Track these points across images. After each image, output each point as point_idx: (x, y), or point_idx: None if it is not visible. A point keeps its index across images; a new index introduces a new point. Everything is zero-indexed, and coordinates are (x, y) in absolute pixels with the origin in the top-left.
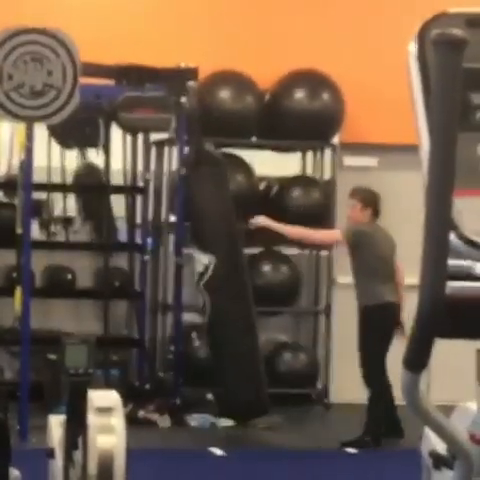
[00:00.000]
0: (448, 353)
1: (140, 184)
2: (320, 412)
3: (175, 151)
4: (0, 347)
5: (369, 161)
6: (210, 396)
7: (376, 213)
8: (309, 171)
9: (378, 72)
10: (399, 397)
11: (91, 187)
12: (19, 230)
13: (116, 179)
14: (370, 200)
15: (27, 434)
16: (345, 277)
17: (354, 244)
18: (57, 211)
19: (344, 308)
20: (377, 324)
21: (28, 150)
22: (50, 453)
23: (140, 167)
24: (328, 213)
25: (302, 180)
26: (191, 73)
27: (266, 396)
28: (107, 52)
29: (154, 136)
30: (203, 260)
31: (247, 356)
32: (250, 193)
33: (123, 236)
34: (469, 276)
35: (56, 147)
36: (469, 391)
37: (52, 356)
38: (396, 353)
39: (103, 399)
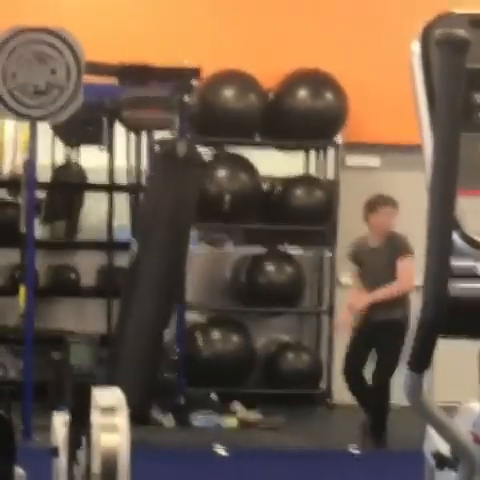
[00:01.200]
0: (451, 353)
1: (143, 182)
2: (323, 412)
3: None
4: (4, 346)
5: (372, 161)
6: (214, 396)
7: None
8: (312, 170)
9: (381, 72)
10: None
11: (96, 185)
12: (23, 229)
13: (120, 178)
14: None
15: (31, 433)
16: (348, 277)
17: None
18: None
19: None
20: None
21: (32, 149)
22: (54, 452)
23: (143, 166)
24: (331, 212)
25: (305, 179)
26: (194, 72)
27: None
28: (111, 51)
29: (158, 135)
30: (133, 246)
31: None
32: (253, 192)
33: (126, 235)
34: (472, 276)
35: (60, 146)
36: (472, 392)
37: (56, 355)
38: None
39: (107, 398)
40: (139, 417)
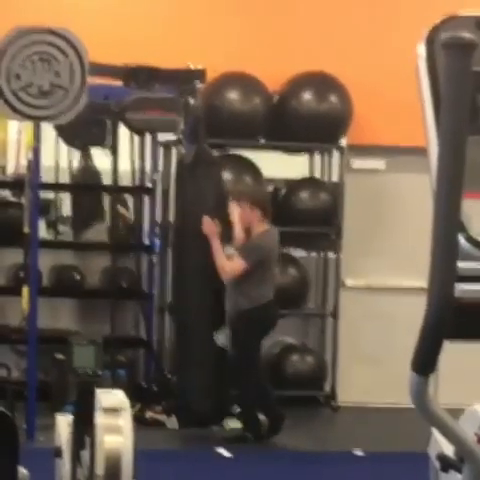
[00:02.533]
0: (457, 356)
1: (148, 185)
2: (327, 414)
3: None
4: (7, 346)
5: (377, 163)
6: None
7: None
8: (317, 173)
9: (386, 74)
10: (399, 400)
11: (98, 187)
12: (27, 229)
13: (123, 180)
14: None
15: (34, 433)
16: (353, 279)
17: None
18: (64, 211)
19: (352, 310)
20: None
21: (36, 150)
22: (57, 452)
23: (147, 168)
24: (336, 215)
25: (310, 182)
26: (199, 74)
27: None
28: (115, 53)
29: (162, 137)
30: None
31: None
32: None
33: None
34: (478, 278)
35: (64, 147)
36: (478, 394)
37: (59, 356)
38: None
39: (110, 399)
40: (214, 419)
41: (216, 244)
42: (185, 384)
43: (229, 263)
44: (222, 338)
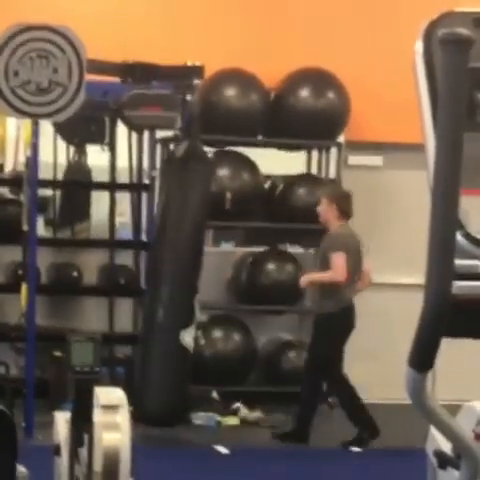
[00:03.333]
0: (454, 352)
1: (145, 182)
2: (324, 411)
3: None
4: (6, 344)
5: (374, 160)
6: (215, 394)
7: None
8: (314, 170)
9: (383, 70)
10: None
11: (94, 184)
12: (25, 227)
13: (122, 176)
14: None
15: (33, 431)
16: None
17: None
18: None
19: None
20: None
21: (34, 147)
22: (56, 450)
23: (145, 165)
24: None
25: (307, 178)
26: (197, 71)
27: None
28: (113, 50)
29: (160, 133)
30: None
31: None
32: (255, 191)
33: (128, 234)
34: (475, 275)
35: (62, 144)
36: (475, 390)
37: (58, 353)
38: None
39: (109, 396)
40: (171, 418)
41: (313, 277)
42: (144, 380)
43: (331, 270)
44: (188, 338)
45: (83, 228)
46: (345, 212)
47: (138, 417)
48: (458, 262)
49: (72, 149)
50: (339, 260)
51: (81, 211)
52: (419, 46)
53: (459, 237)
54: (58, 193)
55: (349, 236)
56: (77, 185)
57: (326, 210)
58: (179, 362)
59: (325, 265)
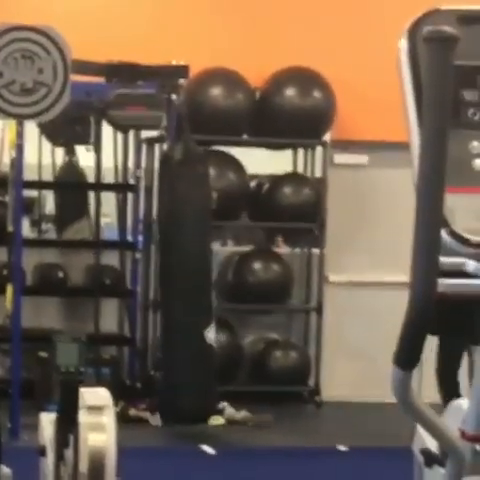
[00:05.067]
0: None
1: (131, 182)
2: (311, 410)
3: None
4: None
5: (360, 158)
6: None
7: None
8: (300, 169)
9: (369, 69)
10: (382, 394)
11: (81, 185)
12: (10, 228)
13: (107, 177)
14: None
15: (18, 432)
16: (337, 275)
17: None
18: (48, 209)
19: (336, 306)
20: None
21: (19, 148)
22: (41, 451)
23: (131, 165)
24: (319, 210)
25: (293, 178)
26: (182, 71)
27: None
28: (98, 50)
29: (145, 133)
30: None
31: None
32: (241, 191)
33: (114, 234)
34: (460, 273)
35: (47, 145)
36: (461, 388)
37: (43, 354)
38: None
39: (94, 397)
40: (200, 418)
41: None
42: (170, 381)
43: None
44: (211, 335)
45: (81, 227)
46: None
47: (171, 418)
48: (443, 260)
49: (57, 150)
50: None
51: (76, 211)
52: (403, 44)
53: (444, 235)
54: (45, 194)
55: None
56: (64, 186)
57: None
58: (206, 361)
59: None
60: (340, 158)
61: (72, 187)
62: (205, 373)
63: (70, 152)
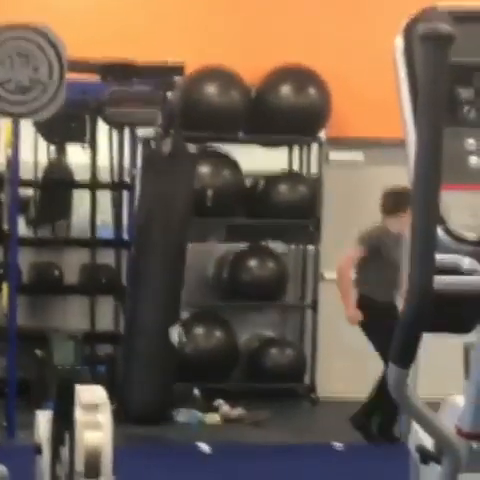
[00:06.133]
0: (436, 348)
1: (126, 180)
2: (307, 407)
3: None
4: None
5: (355, 156)
6: (196, 392)
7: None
8: (296, 166)
9: (364, 67)
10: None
11: (75, 183)
12: (6, 226)
13: (102, 175)
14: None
15: (14, 430)
16: (332, 272)
17: None
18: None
19: (331, 303)
20: None
21: (14, 146)
22: (37, 449)
23: (126, 163)
24: (315, 208)
25: (288, 175)
26: (177, 68)
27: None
28: (93, 48)
29: (140, 131)
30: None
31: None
32: (236, 188)
33: (109, 232)
34: (456, 271)
35: (43, 143)
36: (457, 385)
37: (39, 352)
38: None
39: (90, 395)
40: (155, 415)
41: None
42: (128, 379)
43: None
44: (175, 335)
45: (62, 226)
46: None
47: (123, 416)
48: (439, 257)
49: (53, 148)
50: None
51: (61, 210)
52: (399, 42)
53: (440, 232)
54: (39, 192)
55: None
56: (58, 184)
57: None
58: (165, 360)
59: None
60: (335, 155)
61: (65, 186)
62: (162, 372)
63: (60, 151)
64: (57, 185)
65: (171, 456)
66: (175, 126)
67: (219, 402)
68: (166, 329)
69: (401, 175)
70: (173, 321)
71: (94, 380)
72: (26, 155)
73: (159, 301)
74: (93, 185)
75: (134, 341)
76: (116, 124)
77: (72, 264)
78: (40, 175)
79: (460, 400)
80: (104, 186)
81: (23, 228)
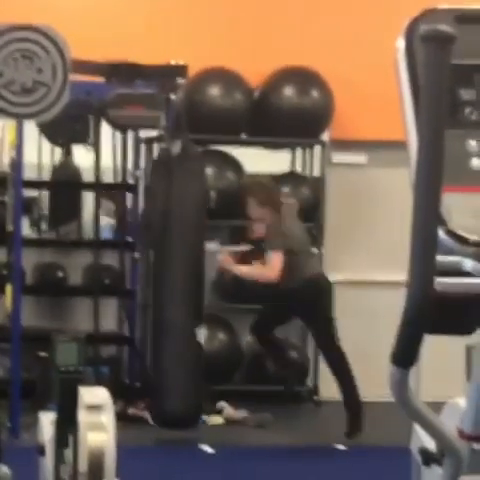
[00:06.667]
0: (438, 349)
1: (130, 181)
2: (310, 409)
3: None
4: None
5: (358, 158)
6: None
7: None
8: (298, 168)
9: (367, 68)
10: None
11: (80, 184)
12: (10, 228)
13: (106, 176)
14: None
15: (18, 431)
16: (335, 274)
17: None
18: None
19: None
20: None
21: (18, 147)
22: (41, 450)
23: (130, 164)
24: (317, 210)
25: (291, 177)
26: (181, 70)
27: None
28: (97, 49)
29: (144, 133)
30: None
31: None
32: (239, 190)
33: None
34: (457, 272)
35: (47, 144)
36: (459, 387)
37: (43, 353)
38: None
39: (93, 397)
40: (190, 421)
41: (238, 270)
42: (160, 383)
43: (267, 268)
44: (201, 335)
45: (70, 229)
46: (278, 205)
47: (157, 421)
48: (440, 259)
49: (57, 149)
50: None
51: (70, 212)
52: (401, 43)
53: (441, 234)
54: (43, 194)
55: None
56: (63, 185)
57: (266, 218)
58: (194, 361)
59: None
60: (338, 157)
61: (71, 187)
62: (194, 375)
63: (67, 152)
64: (66, 186)
65: (174, 457)
66: (183, 127)
67: (222, 404)
68: (191, 331)
69: (404, 177)
70: (198, 323)
71: (98, 381)
72: (30, 156)
73: (184, 302)
74: (97, 186)
75: (162, 344)
76: (119, 126)
77: (76, 265)
78: (46, 176)
79: (462, 402)
80: (108, 187)
81: (27, 229)
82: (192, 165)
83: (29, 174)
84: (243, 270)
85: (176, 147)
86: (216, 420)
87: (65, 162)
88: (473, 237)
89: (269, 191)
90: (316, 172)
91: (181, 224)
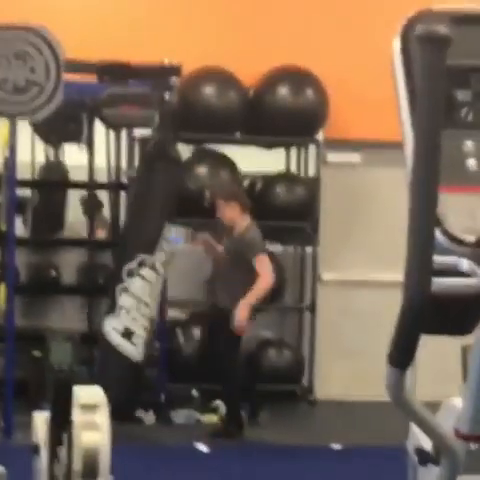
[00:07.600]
0: (435, 349)
1: (124, 181)
2: (305, 408)
3: None
4: None
5: (353, 157)
6: (195, 392)
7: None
8: (293, 167)
9: (362, 68)
10: (378, 394)
11: (72, 183)
12: (3, 227)
13: (99, 175)
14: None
15: (12, 431)
16: (330, 274)
17: None
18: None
19: (329, 304)
20: None
21: (12, 147)
22: (35, 449)
23: (124, 163)
24: (312, 209)
25: (286, 176)
26: (174, 70)
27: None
28: (90, 49)
29: (137, 132)
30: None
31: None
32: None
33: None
34: (454, 272)
35: (40, 143)
36: (455, 387)
37: (37, 353)
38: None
39: (88, 396)
40: (122, 414)
41: (248, 307)
42: (103, 376)
43: (260, 279)
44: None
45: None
46: (246, 204)
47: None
48: (437, 259)
49: (51, 149)
50: (264, 265)
51: (57, 210)
52: (397, 44)
53: (438, 234)
54: (37, 193)
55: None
56: (56, 185)
57: (228, 211)
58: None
59: (242, 268)
60: (333, 157)
61: (63, 186)
62: (133, 369)
63: (56, 150)
64: (52, 186)
65: (169, 456)
66: (166, 127)
67: (217, 403)
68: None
69: (399, 177)
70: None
71: (92, 380)
72: (23, 155)
73: None
74: (90, 185)
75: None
76: (113, 125)
77: (69, 264)
78: (41, 176)
79: (458, 402)
80: (101, 187)
81: (21, 228)
82: (165, 165)
83: (23, 174)
84: (251, 301)
85: (154, 145)
86: (211, 419)
87: (52, 162)
88: (469, 237)
89: (234, 188)
90: (311, 171)
91: (137, 224)
